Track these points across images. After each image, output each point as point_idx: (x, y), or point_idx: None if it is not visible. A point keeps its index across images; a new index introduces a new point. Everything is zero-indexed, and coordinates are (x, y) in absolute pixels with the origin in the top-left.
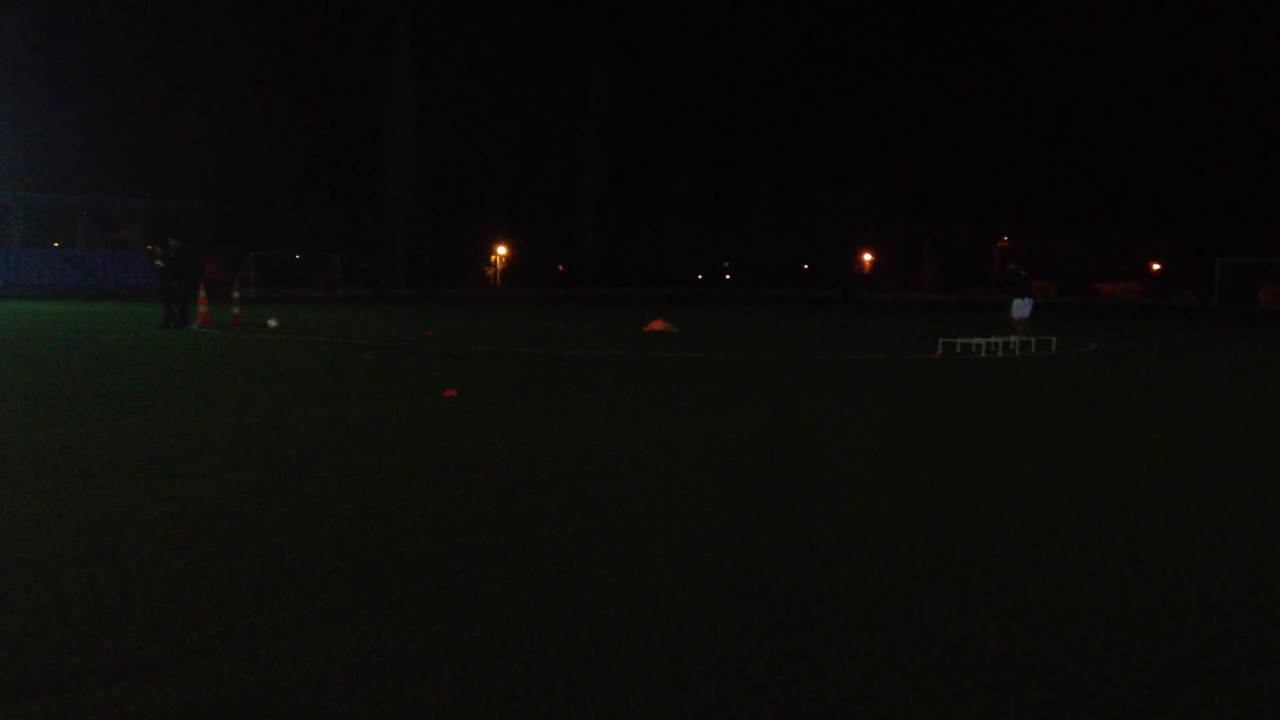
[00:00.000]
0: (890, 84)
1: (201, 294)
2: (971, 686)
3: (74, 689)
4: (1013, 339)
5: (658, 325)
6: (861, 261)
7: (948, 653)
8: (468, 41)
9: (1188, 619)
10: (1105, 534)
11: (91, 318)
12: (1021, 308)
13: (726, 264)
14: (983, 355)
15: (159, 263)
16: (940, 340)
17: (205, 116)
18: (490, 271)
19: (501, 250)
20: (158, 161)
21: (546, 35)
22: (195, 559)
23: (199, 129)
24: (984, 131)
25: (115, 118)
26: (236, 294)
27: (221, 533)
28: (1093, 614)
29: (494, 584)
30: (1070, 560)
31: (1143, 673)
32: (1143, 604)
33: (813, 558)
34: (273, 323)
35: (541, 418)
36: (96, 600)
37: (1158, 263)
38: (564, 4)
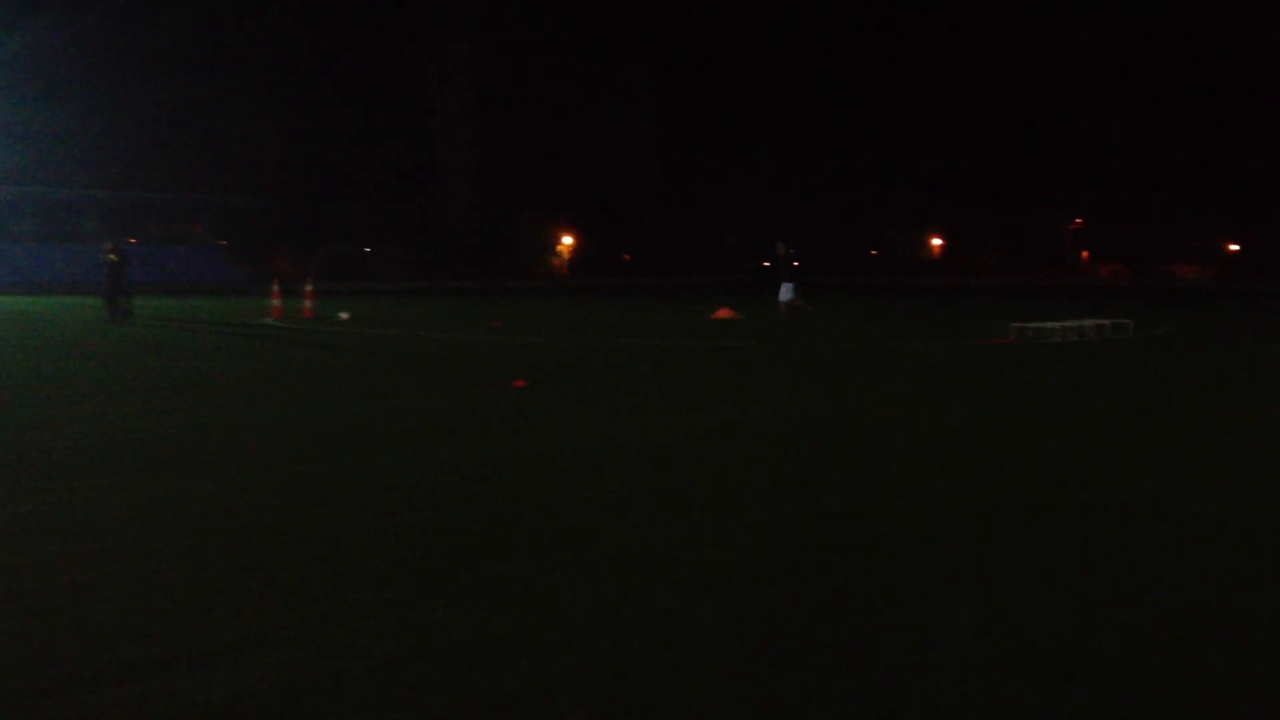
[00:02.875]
0: (956, 64)
1: (274, 288)
2: (1037, 676)
3: (149, 677)
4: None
5: (724, 313)
6: (929, 246)
7: (1012, 642)
8: (526, 31)
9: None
10: (1180, 523)
11: (164, 312)
12: (787, 291)
13: (792, 251)
14: (1057, 340)
15: (112, 257)
16: (1013, 325)
17: (271, 112)
18: (556, 262)
19: (567, 240)
20: (226, 158)
21: (606, 22)
22: (265, 548)
23: (266, 124)
24: (1053, 111)
25: (184, 115)
26: (309, 287)
27: (291, 523)
28: (1163, 604)
29: (557, 573)
30: (1142, 550)
31: (1215, 666)
32: (1217, 597)
33: (876, 547)
34: (344, 315)
35: (607, 407)
36: (170, 590)
37: (1235, 244)
38: None
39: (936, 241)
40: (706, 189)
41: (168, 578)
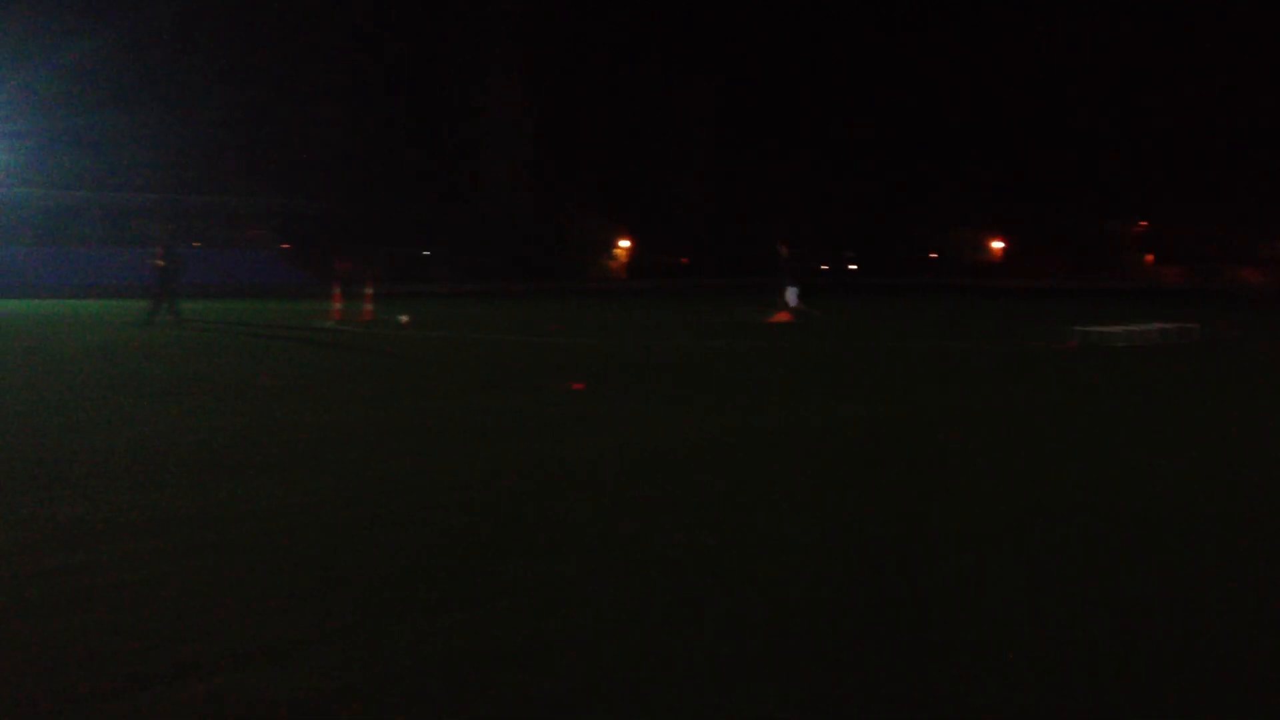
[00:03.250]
0: (1018, 64)
1: (335, 291)
2: (1093, 681)
3: (219, 672)
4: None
5: (782, 316)
6: (989, 248)
7: (1067, 647)
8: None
9: None
10: (1246, 530)
11: (226, 314)
12: (792, 295)
13: (850, 254)
14: (1121, 344)
15: (159, 262)
16: (1075, 328)
17: (332, 115)
18: (613, 264)
19: (623, 243)
20: (288, 161)
21: (661, 23)
22: (333, 548)
23: (326, 128)
24: (1117, 112)
25: (246, 119)
26: (369, 290)
27: (358, 522)
28: (1224, 610)
29: (615, 574)
30: (1203, 555)
31: (1272, 680)
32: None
33: (932, 549)
34: (404, 318)
35: (665, 409)
36: (240, 588)
37: None
38: None
39: (997, 244)
40: (763, 191)
41: (228, 577)
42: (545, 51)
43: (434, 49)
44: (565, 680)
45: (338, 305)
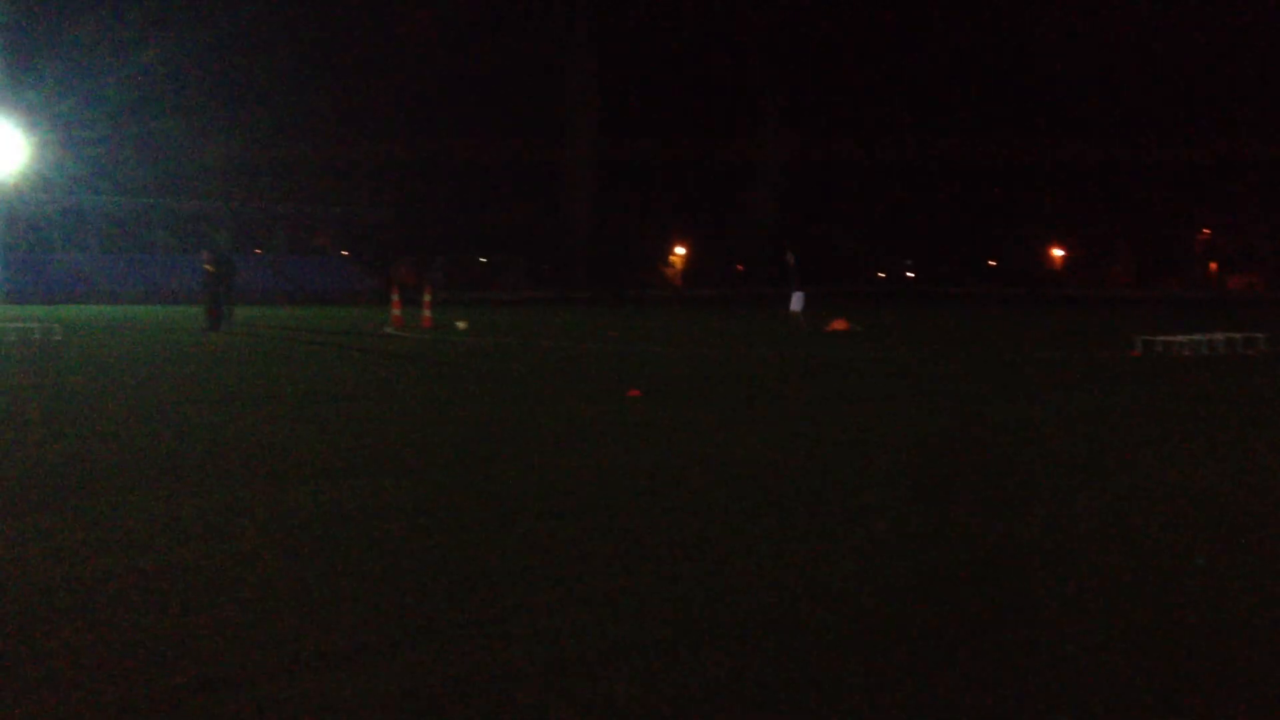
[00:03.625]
0: (1082, 71)
1: (395, 298)
2: (1176, 696)
3: (285, 677)
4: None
5: (839, 325)
6: (1051, 257)
7: (1148, 662)
8: (646, 41)
9: None
10: None
11: (288, 321)
12: (798, 301)
13: (909, 261)
14: (1186, 354)
15: (208, 268)
16: (1140, 338)
17: (396, 123)
18: (670, 272)
19: (680, 251)
20: (351, 169)
21: (729, 29)
22: (396, 554)
23: (390, 136)
24: (1180, 120)
25: (311, 126)
26: (427, 298)
27: (420, 529)
28: None
29: (681, 583)
30: None
31: None
32: None
33: (1005, 563)
34: (462, 325)
35: (724, 418)
36: (306, 593)
37: None
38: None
39: (1058, 252)
40: (824, 198)
41: (302, 581)
42: (615, 59)
43: (503, 57)
44: (628, 689)
45: (397, 312)
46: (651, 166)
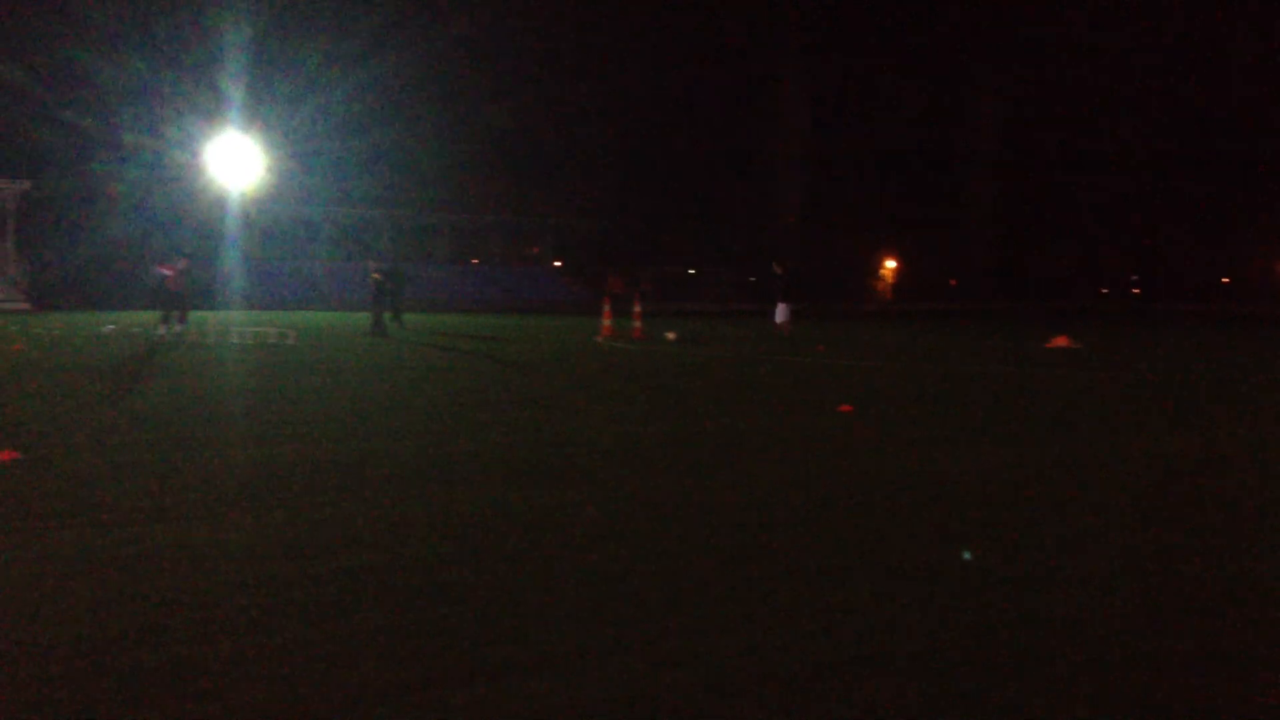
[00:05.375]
0: None
1: (605, 307)
2: None
3: (503, 679)
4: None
5: (1061, 341)
6: None
7: None
8: (855, 54)
9: None
10: None
11: (500, 330)
12: (783, 312)
13: (1134, 277)
14: None
15: (375, 276)
16: None
17: (607, 136)
18: (879, 285)
19: (891, 264)
20: (564, 181)
21: (936, 40)
22: (606, 560)
23: (602, 148)
24: None
25: (523, 139)
26: (637, 308)
27: (629, 537)
28: None
29: (894, 600)
30: None
31: None
32: None
33: (1242, 596)
34: (670, 336)
35: (937, 436)
36: (519, 596)
37: None
38: (955, 5)
39: None
40: (1044, 212)
41: (514, 586)
42: (824, 74)
43: (712, 72)
44: (842, 708)
45: (607, 322)
46: (861, 176)
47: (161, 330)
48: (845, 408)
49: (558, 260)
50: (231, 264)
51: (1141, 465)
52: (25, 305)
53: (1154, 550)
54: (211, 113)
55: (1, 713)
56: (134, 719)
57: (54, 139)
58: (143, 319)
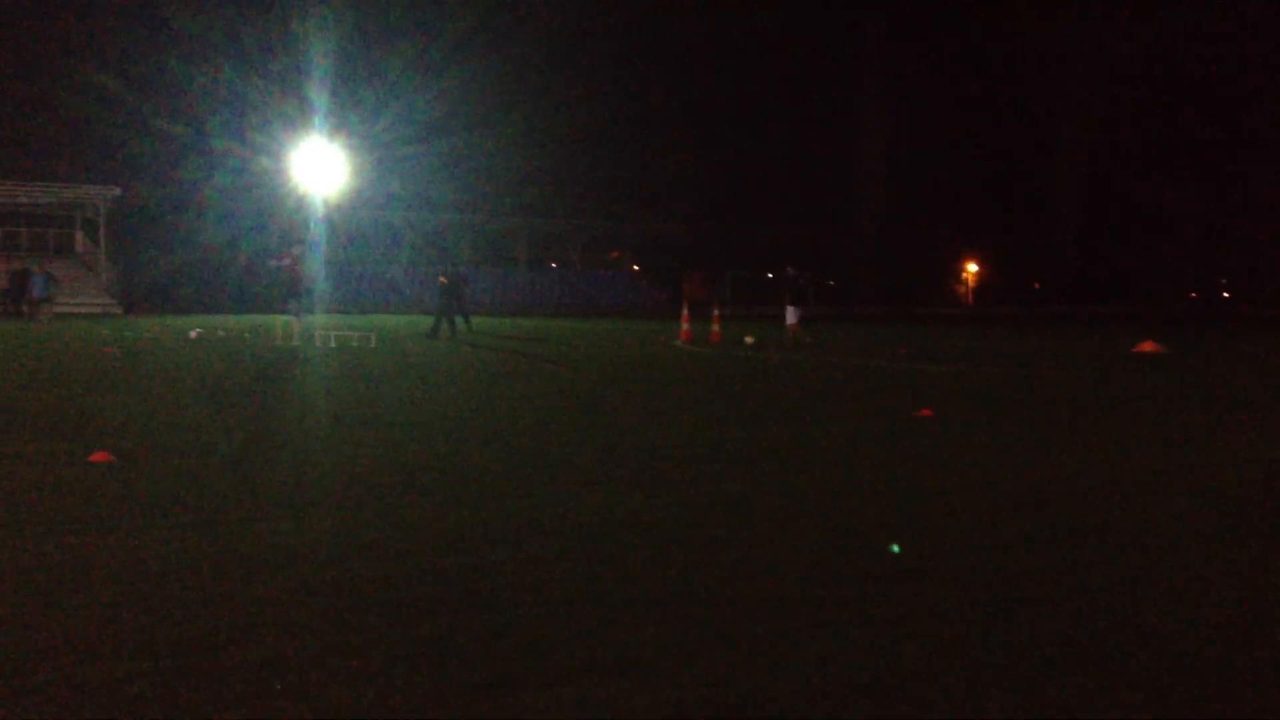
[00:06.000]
0: None
1: (684, 311)
2: None
3: (584, 680)
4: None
5: (1148, 346)
6: None
7: None
8: (940, 60)
9: None
10: None
11: (583, 334)
12: (792, 314)
13: (1223, 281)
14: None
15: (442, 280)
16: None
17: (685, 140)
18: (961, 289)
19: (972, 267)
20: (644, 186)
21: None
22: (700, 562)
23: (681, 152)
24: None
25: (602, 143)
26: (716, 312)
27: (709, 540)
28: None
29: (978, 608)
30: None
31: None
32: None
33: None
34: (749, 340)
35: (1019, 441)
36: (603, 597)
37: None
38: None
39: None
40: (1131, 215)
41: (598, 586)
42: (906, 78)
43: (792, 78)
44: (926, 717)
45: (686, 326)
46: (943, 178)
47: (294, 319)
48: (926, 412)
49: (636, 264)
50: (316, 268)
51: (1230, 474)
52: (116, 309)
53: (1246, 561)
54: (297, 120)
55: (92, 711)
56: (223, 719)
57: (145, 147)
58: (228, 323)
